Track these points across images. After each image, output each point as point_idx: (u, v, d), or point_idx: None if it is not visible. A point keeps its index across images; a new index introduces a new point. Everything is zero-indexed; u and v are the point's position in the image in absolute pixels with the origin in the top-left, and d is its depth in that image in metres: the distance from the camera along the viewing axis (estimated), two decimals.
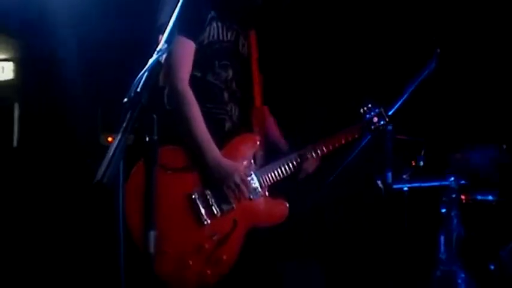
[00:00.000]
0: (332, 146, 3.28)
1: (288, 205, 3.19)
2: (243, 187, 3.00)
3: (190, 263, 2.90)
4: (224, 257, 2.96)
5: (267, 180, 3.14)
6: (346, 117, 3.47)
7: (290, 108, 4.69)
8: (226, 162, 2.99)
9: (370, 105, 3.43)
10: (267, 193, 3.15)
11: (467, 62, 5.07)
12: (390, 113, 3.62)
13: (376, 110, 3.41)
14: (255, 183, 3.10)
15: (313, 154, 3.23)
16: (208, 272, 2.92)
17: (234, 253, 3.00)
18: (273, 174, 3.15)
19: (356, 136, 3.39)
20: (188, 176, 2.97)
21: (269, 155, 3.25)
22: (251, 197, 3.07)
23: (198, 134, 2.94)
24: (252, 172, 3.09)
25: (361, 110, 3.43)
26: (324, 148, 3.25)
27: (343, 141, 3.32)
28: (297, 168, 3.20)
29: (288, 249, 4.58)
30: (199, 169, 2.97)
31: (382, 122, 3.42)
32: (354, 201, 4.98)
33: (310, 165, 3.26)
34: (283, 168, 3.17)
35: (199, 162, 2.95)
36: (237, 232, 3.01)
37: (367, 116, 3.41)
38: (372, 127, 3.40)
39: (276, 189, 3.20)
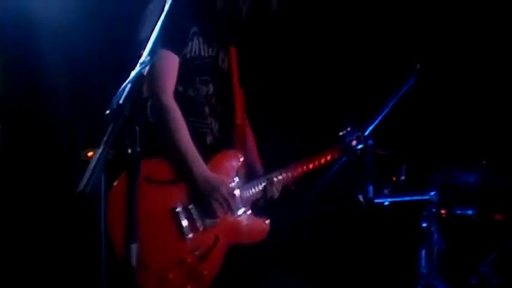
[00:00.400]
0: (311, 166, 3.33)
1: (269, 223, 3.19)
2: (230, 200, 3.00)
3: (171, 276, 2.88)
4: (205, 272, 2.95)
5: (249, 198, 3.14)
6: (326, 139, 3.56)
7: (270, 124, 4.70)
8: (213, 175, 2.99)
9: (349, 129, 3.52)
10: (249, 211, 3.15)
11: (446, 76, 5.12)
12: (371, 127, 3.66)
13: (355, 134, 3.51)
14: (239, 200, 3.10)
15: (281, 177, 3.25)
16: (189, 287, 2.91)
17: (215, 269, 2.99)
18: (253, 192, 3.16)
19: (335, 157, 3.48)
20: (172, 189, 2.95)
21: (248, 173, 3.26)
22: (234, 213, 3.06)
23: (183, 147, 2.93)
24: (236, 188, 3.09)
25: (341, 134, 3.52)
26: (300, 169, 3.30)
27: (322, 162, 3.39)
28: (264, 192, 3.21)
29: (269, 265, 4.59)
30: (184, 182, 2.96)
31: (360, 146, 3.53)
32: (335, 216, 4.99)
33: (276, 191, 3.26)
34: (257, 189, 3.19)
35: (185, 175, 2.94)
36: (218, 248, 3.00)
37: (347, 139, 3.50)
38: (351, 150, 3.48)
39: (257, 206, 3.21)
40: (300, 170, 3.33)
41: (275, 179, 3.24)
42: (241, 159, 3.16)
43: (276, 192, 3.24)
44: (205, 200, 2.96)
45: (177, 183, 2.95)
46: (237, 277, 3.13)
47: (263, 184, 3.19)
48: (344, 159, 3.62)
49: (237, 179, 3.12)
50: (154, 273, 2.83)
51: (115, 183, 2.75)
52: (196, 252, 2.94)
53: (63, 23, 4.31)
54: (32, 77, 4.36)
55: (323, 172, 3.68)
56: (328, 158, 3.44)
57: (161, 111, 2.87)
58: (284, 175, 3.27)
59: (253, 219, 3.16)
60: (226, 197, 2.98)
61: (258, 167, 3.40)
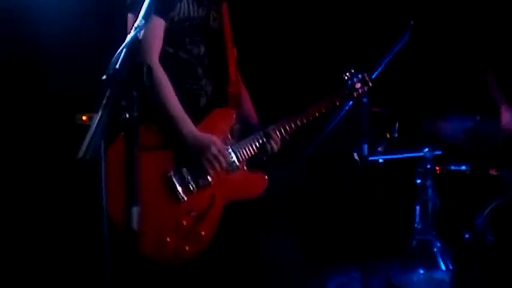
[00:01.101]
0: (312, 115, 3.26)
1: (266, 178, 3.20)
2: (221, 158, 3.00)
3: (168, 240, 2.90)
4: (202, 233, 2.96)
5: (244, 154, 3.14)
6: (327, 84, 3.43)
7: (267, 79, 4.69)
8: (202, 134, 2.99)
9: (352, 71, 3.39)
10: (245, 167, 3.16)
11: (439, 33, 5.11)
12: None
13: (359, 76, 3.39)
14: (233, 157, 3.10)
15: (279, 132, 3.21)
16: (187, 248, 2.93)
17: (213, 228, 3.00)
18: (248, 149, 3.15)
19: (337, 103, 3.34)
20: (163, 154, 2.95)
21: (244, 129, 3.25)
22: (229, 171, 3.07)
23: (170, 108, 2.92)
24: (229, 146, 3.10)
25: (344, 76, 3.40)
26: (298, 122, 3.23)
27: (323, 110, 3.29)
28: (262, 147, 3.19)
29: (265, 220, 4.63)
30: (174, 146, 2.96)
31: (365, 88, 3.40)
32: (330, 174, 5.02)
33: (275, 144, 3.23)
34: (253, 145, 3.17)
35: (175, 137, 2.94)
36: (214, 207, 3.02)
37: (350, 82, 3.39)
38: (355, 94, 3.39)
39: (254, 161, 3.20)
40: (302, 118, 3.23)
41: (274, 133, 3.20)
42: (234, 116, 3.15)
43: (274, 146, 3.22)
44: (196, 159, 2.97)
45: (166, 147, 2.95)
46: (235, 235, 3.15)
47: (260, 140, 3.18)
48: (349, 104, 3.53)
49: (230, 137, 3.12)
50: (151, 238, 2.84)
51: (110, 147, 2.75)
52: (193, 214, 2.95)
53: None
54: (25, 42, 4.32)
55: (320, 127, 3.67)
56: (331, 104, 3.30)
57: (147, 73, 2.84)
58: (284, 126, 3.22)
59: (250, 176, 3.16)
60: (217, 155, 2.98)
61: (255, 122, 3.38)
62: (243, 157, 3.12)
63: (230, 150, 3.08)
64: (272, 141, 3.18)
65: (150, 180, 2.87)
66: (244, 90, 3.40)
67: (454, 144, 4.60)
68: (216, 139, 3.00)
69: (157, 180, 2.91)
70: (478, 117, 4.49)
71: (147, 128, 2.87)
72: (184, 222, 2.93)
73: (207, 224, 2.98)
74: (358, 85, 3.36)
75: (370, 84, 3.39)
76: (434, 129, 4.58)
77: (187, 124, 2.95)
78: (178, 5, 3.03)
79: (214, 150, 2.96)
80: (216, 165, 2.99)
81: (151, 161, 2.89)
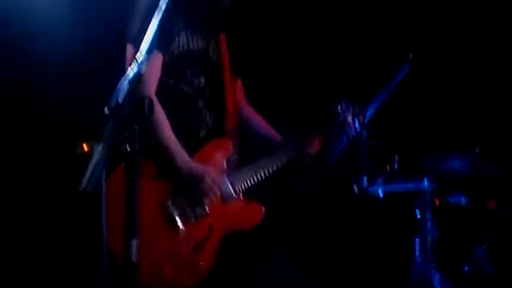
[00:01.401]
0: (307, 148, 3.29)
1: (263, 209, 3.21)
2: (215, 189, 3.01)
3: (167, 270, 2.90)
4: (201, 263, 2.97)
5: (241, 185, 3.15)
6: (321, 117, 3.45)
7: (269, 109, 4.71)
8: (197, 166, 3.01)
9: (345, 104, 3.40)
10: (241, 197, 3.17)
11: (438, 66, 5.15)
12: (366, 118, 3.65)
13: (351, 109, 3.39)
14: (229, 188, 3.11)
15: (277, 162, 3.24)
16: (185, 278, 2.93)
17: (211, 258, 3.01)
18: (245, 180, 3.16)
19: (331, 134, 3.39)
20: (161, 183, 2.97)
21: (248, 158, 3.26)
22: (225, 201, 3.08)
23: (165, 140, 2.94)
24: (225, 176, 3.11)
25: (337, 109, 3.38)
26: (287, 158, 3.27)
27: (320, 140, 3.32)
28: (296, 160, 3.22)
29: (265, 251, 4.62)
30: (171, 177, 2.98)
31: (356, 121, 3.40)
32: (331, 206, 5.02)
33: (308, 153, 3.27)
34: (251, 177, 3.17)
35: (170, 168, 2.96)
36: (213, 237, 3.02)
37: (342, 115, 3.38)
38: (347, 127, 3.40)
39: (252, 192, 3.22)
40: (301, 149, 3.28)
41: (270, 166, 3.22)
42: (231, 147, 3.17)
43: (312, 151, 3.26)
44: (192, 190, 2.98)
45: (164, 177, 2.97)
46: (234, 265, 3.15)
47: (259, 171, 3.19)
48: (344, 140, 3.55)
49: (226, 167, 3.13)
50: (150, 267, 2.85)
51: (109, 178, 2.76)
52: (191, 243, 2.96)
53: (53, 14, 4.30)
54: (25, 71, 4.36)
55: (323, 160, 3.68)
56: (324, 136, 3.35)
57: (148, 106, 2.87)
58: (280, 160, 3.24)
59: (247, 206, 3.17)
60: (212, 186, 2.99)
61: (276, 136, 3.39)
62: (240, 188, 3.14)
63: (227, 180, 3.10)
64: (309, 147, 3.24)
65: (149, 210, 2.88)
66: (257, 115, 3.43)
67: (453, 177, 4.62)
68: (210, 170, 3.02)
69: (155, 210, 2.93)
70: (478, 149, 4.51)
71: (146, 158, 2.89)
72: (183, 252, 2.94)
73: (205, 254, 2.99)
74: (350, 118, 3.38)
75: (362, 118, 3.41)
76: (434, 162, 4.59)
77: (181, 156, 2.97)
78: (177, 38, 3.06)
79: (208, 181, 2.98)
80: (211, 196, 3.00)
81: (150, 190, 2.91)
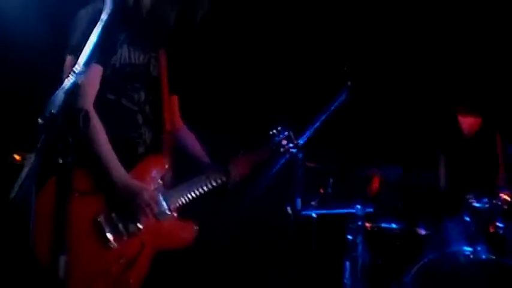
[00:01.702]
0: (241, 169, 3.32)
1: (197, 228, 3.20)
2: (152, 204, 2.99)
3: (96, 286, 2.85)
4: (131, 281, 2.93)
5: (176, 202, 3.13)
6: (256, 139, 3.50)
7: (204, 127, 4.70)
8: (133, 181, 2.98)
9: (279, 128, 3.48)
10: (175, 215, 3.14)
11: (373, 92, 5.25)
12: (301, 141, 3.69)
13: (285, 133, 3.48)
14: (163, 205, 3.09)
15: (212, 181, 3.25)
16: None
17: (141, 276, 2.98)
18: (180, 198, 3.15)
19: (265, 158, 3.43)
20: (94, 198, 2.92)
21: (182, 176, 3.25)
22: (159, 218, 3.06)
23: (103, 154, 2.91)
24: (160, 193, 3.09)
25: (271, 133, 3.48)
26: (230, 173, 3.29)
27: (251, 163, 3.36)
28: (225, 182, 3.22)
29: (196, 273, 4.59)
30: (105, 191, 2.94)
31: (290, 145, 3.48)
32: (264, 227, 5.03)
33: (237, 175, 3.28)
34: (186, 194, 3.17)
35: (107, 183, 2.92)
36: (144, 255, 2.99)
37: (276, 138, 3.47)
38: (281, 150, 3.46)
39: (187, 212, 3.20)
40: (228, 174, 3.31)
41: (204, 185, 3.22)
42: (166, 165, 3.15)
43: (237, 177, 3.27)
44: (127, 206, 2.95)
45: (98, 192, 2.93)
46: (164, 282, 3.12)
47: (192, 189, 3.18)
48: (278, 162, 3.61)
49: (161, 185, 3.11)
50: (80, 283, 2.79)
51: (41, 191, 2.71)
52: (122, 261, 2.92)
53: None
54: None
55: (254, 183, 3.70)
56: (259, 159, 3.41)
57: (83, 118, 2.84)
58: (213, 180, 3.25)
59: (180, 225, 3.16)
60: (148, 202, 2.97)
61: (205, 159, 3.39)
62: (174, 205, 3.12)
63: (161, 198, 3.07)
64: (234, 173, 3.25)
65: (80, 225, 2.83)
66: (191, 134, 3.42)
67: (385, 202, 4.69)
68: (147, 187, 3.00)
69: (87, 225, 2.88)
70: (410, 175, 4.60)
71: (79, 171, 2.84)
72: (114, 269, 2.89)
73: (136, 271, 2.95)
74: (284, 142, 3.44)
75: (295, 142, 3.47)
76: (367, 183, 4.66)
77: (118, 170, 2.94)
78: (119, 51, 3.04)
79: (145, 196, 2.95)
80: (147, 212, 2.97)
81: (83, 205, 2.86)
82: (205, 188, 3.21)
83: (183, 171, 3.29)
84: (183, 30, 3.19)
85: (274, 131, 3.47)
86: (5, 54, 4.22)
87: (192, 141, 3.44)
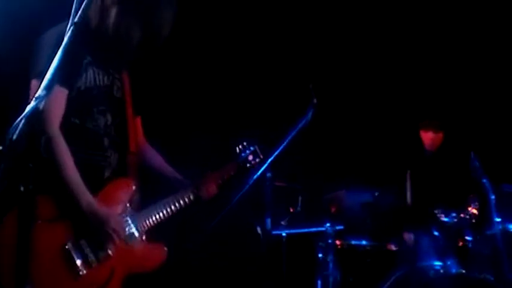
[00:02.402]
0: (209, 186, 3.30)
1: (166, 249, 3.16)
2: (119, 232, 2.94)
3: None
4: None
5: (143, 225, 3.10)
6: (222, 156, 3.49)
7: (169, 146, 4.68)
8: (100, 208, 2.92)
9: (245, 143, 3.47)
10: (144, 237, 3.10)
11: (340, 110, 5.29)
12: (269, 161, 3.69)
13: (251, 148, 3.46)
14: (132, 228, 3.05)
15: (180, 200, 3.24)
16: None
17: None
18: (148, 220, 3.11)
19: (232, 174, 3.40)
20: (61, 225, 2.85)
21: (150, 196, 3.21)
22: (128, 242, 3.01)
23: (70, 180, 2.86)
24: (128, 216, 3.05)
25: (237, 149, 3.46)
26: (197, 190, 3.27)
27: (219, 180, 3.34)
28: (192, 201, 3.19)
29: None
30: (72, 218, 2.88)
31: (257, 160, 3.46)
32: (233, 248, 5.00)
33: (205, 194, 3.26)
34: (154, 216, 3.14)
35: (73, 209, 2.87)
36: (115, 279, 2.93)
37: (243, 154, 3.45)
38: (248, 165, 3.45)
39: (155, 233, 3.17)
40: (197, 191, 3.26)
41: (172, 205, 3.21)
42: (133, 187, 3.12)
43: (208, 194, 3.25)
44: (95, 232, 2.90)
45: (64, 219, 2.86)
46: None
47: (160, 211, 3.15)
48: (252, 178, 3.60)
49: (129, 208, 3.08)
50: None
51: (4, 221, 2.64)
52: (93, 287, 2.87)
53: None
54: None
55: (222, 200, 3.67)
56: (226, 176, 3.37)
57: (47, 144, 2.80)
58: (179, 199, 3.23)
59: (150, 247, 3.11)
60: (116, 228, 2.92)
61: (177, 175, 3.36)
62: (143, 228, 3.08)
63: (129, 221, 3.03)
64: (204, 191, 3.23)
65: (48, 254, 2.77)
66: (157, 155, 3.39)
67: (353, 217, 4.70)
68: (113, 213, 2.95)
69: (55, 253, 2.81)
70: (377, 193, 4.62)
71: (43, 198, 2.78)
72: None
73: None
74: (251, 157, 3.44)
75: (262, 157, 3.47)
76: (335, 201, 4.67)
77: (85, 195, 2.88)
78: (84, 73, 3.01)
79: (112, 224, 2.91)
80: (115, 238, 2.93)
81: (49, 233, 2.79)
82: (173, 208, 3.18)
83: (150, 192, 3.27)
84: (146, 52, 3.17)
85: (240, 146, 3.45)
86: None
87: (158, 160, 3.41)
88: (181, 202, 3.21)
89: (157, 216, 3.13)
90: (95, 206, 2.88)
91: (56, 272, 2.79)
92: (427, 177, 4.88)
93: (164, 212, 3.15)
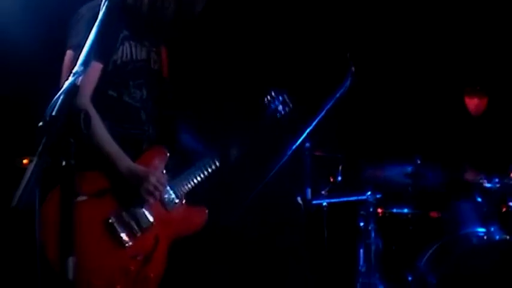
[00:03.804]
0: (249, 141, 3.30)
1: (206, 211, 3.20)
2: (160, 188, 2.97)
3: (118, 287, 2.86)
4: (151, 275, 2.93)
5: (182, 189, 3.12)
6: (253, 111, 3.45)
7: (203, 114, 4.68)
8: (139, 167, 2.96)
9: (273, 94, 3.43)
10: (184, 202, 3.14)
11: (380, 79, 5.23)
12: (307, 130, 3.67)
13: (280, 98, 3.43)
14: (171, 194, 3.08)
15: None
16: None
17: (160, 268, 2.98)
18: (186, 183, 3.14)
19: (264, 128, 3.38)
20: (102, 201, 2.89)
21: (183, 164, 3.24)
22: (168, 208, 3.05)
23: (106, 146, 2.88)
24: (166, 183, 3.08)
25: (266, 101, 3.43)
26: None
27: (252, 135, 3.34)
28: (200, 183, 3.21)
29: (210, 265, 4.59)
30: (113, 190, 2.92)
31: (286, 109, 3.43)
32: (275, 218, 5.02)
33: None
34: (192, 179, 3.16)
35: (113, 176, 2.90)
36: (160, 247, 2.98)
37: (272, 105, 3.42)
38: (278, 115, 3.42)
39: (196, 199, 3.19)
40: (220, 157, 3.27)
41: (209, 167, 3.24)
42: (167, 154, 3.14)
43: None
44: (136, 193, 2.93)
45: (104, 194, 2.90)
46: (182, 273, 3.12)
47: (196, 175, 3.18)
48: (292, 149, 3.58)
49: (165, 175, 3.10)
50: None
51: (48, 197, 2.70)
52: (139, 258, 2.91)
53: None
54: None
55: (263, 170, 3.68)
56: (260, 131, 3.37)
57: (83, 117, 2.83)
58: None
59: (190, 210, 3.16)
60: (156, 185, 2.95)
61: (199, 147, 3.39)
62: (181, 192, 3.11)
63: (168, 187, 3.06)
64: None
65: (93, 229, 2.82)
66: (184, 126, 3.42)
67: (395, 187, 4.67)
68: (152, 170, 2.99)
69: (100, 229, 2.85)
70: (419, 161, 4.58)
71: (84, 175, 2.82)
72: (132, 267, 2.89)
73: (155, 265, 2.95)
74: (280, 107, 3.41)
75: (291, 106, 3.43)
76: (376, 173, 4.65)
77: (123, 159, 2.92)
78: (121, 47, 3.03)
79: (152, 180, 2.94)
80: (156, 195, 2.96)
81: (92, 209, 2.84)
82: (206, 173, 3.21)
83: (181, 159, 3.29)
84: (183, 24, 3.17)
85: (268, 97, 3.43)
86: (7, 57, 4.21)
87: (188, 130, 3.43)
88: (213, 166, 3.23)
89: (194, 180, 3.16)
90: (133, 167, 2.92)
91: (102, 247, 2.84)
92: (471, 142, 4.84)
93: (199, 176, 3.18)
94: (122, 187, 2.91)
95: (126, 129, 3.04)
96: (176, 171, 3.17)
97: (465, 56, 5.34)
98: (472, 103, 4.93)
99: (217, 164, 3.26)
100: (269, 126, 3.39)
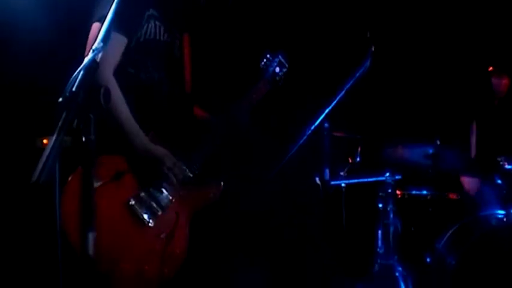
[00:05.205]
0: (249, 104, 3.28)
1: (222, 183, 3.21)
2: (176, 170, 2.99)
3: (147, 268, 2.87)
4: (177, 251, 2.96)
5: (195, 164, 3.12)
6: (250, 76, 3.39)
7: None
8: (156, 147, 2.98)
9: (268, 56, 3.38)
10: (198, 176, 3.15)
11: (400, 59, 5.19)
12: (327, 111, 3.65)
13: (276, 59, 3.38)
14: (185, 169, 3.09)
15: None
16: (166, 270, 2.91)
17: (184, 243, 3.01)
18: (201, 156, 3.14)
19: (265, 91, 3.32)
20: (120, 184, 2.90)
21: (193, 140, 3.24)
22: (184, 182, 3.05)
23: (124, 122, 2.89)
24: (180, 160, 3.09)
25: (262, 63, 3.38)
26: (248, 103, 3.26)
27: (254, 102, 3.30)
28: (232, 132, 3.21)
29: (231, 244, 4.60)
30: (128, 172, 2.92)
31: (284, 70, 3.39)
32: (293, 198, 5.02)
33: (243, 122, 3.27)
34: (202, 153, 3.17)
35: (129, 151, 2.90)
36: (180, 223, 3.00)
37: (270, 68, 3.37)
38: (277, 78, 3.38)
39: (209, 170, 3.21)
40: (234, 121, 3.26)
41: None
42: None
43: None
44: (153, 171, 2.95)
45: (121, 177, 2.92)
46: (204, 246, 3.14)
47: (207, 148, 3.16)
48: (311, 129, 3.57)
49: (179, 151, 3.11)
50: (131, 271, 2.82)
51: (70, 177, 2.72)
52: (162, 236, 2.94)
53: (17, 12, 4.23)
54: None
55: (281, 153, 3.68)
56: (259, 96, 3.31)
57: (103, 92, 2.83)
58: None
59: (206, 183, 3.18)
60: (173, 166, 2.97)
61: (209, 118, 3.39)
62: (195, 167, 3.11)
63: (181, 162, 3.07)
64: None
65: (115, 214, 2.84)
66: (201, 112, 3.42)
67: (415, 168, 4.65)
68: (168, 152, 2.99)
69: (121, 212, 2.87)
70: (438, 142, 4.55)
71: (99, 160, 2.82)
72: (157, 247, 2.91)
73: (178, 241, 2.97)
74: (277, 69, 3.36)
75: (287, 65, 3.38)
76: (396, 154, 4.63)
77: (140, 136, 2.93)
78: (146, 25, 3.03)
79: (168, 163, 2.96)
80: (171, 178, 2.98)
81: (111, 194, 2.85)
82: (217, 142, 3.20)
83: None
84: (212, 13, 3.15)
85: (265, 60, 3.39)
86: (28, 37, 4.23)
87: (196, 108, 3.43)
88: (221, 137, 3.22)
89: (205, 153, 3.16)
90: (149, 146, 2.94)
91: (126, 230, 2.87)
92: (494, 123, 4.80)
93: (209, 148, 3.17)
94: (138, 167, 2.92)
95: (139, 106, 3.03)
96: (187, 148, 3.18)
97: (488, 35, 5.28)
98: (504, 83, 4.90)
99: (225, 131, 3.23)
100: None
